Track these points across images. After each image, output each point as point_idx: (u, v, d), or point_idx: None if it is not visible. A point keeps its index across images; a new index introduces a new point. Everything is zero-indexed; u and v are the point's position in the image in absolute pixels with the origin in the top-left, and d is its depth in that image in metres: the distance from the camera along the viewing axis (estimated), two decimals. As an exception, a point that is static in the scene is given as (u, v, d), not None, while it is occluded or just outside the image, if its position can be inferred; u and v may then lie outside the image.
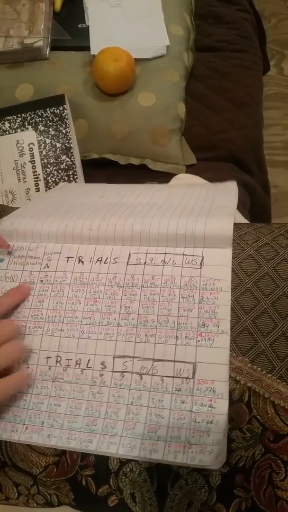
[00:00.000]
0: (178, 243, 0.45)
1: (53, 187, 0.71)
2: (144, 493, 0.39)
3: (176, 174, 0.71)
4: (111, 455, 0.39)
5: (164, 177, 0.71)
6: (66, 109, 0.72)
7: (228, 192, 0.55)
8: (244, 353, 0.40)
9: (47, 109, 0.73)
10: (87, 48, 0.77)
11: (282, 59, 1.63)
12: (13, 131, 0.73)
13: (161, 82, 0.75)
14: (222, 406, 0.38)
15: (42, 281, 0.46)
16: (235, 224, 0.48)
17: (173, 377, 0.40)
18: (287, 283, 0.42)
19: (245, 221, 0.64)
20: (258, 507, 0.38)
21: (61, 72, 0.76)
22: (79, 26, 0.82)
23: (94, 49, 0.76)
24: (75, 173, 0.72)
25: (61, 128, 0.72)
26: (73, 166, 0.72)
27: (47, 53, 0.78)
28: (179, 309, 0.42)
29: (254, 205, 0.78)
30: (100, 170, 0.75)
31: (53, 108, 0.73)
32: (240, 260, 0.44)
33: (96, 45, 0.76)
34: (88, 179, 0.73)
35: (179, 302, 0.42)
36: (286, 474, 0.38)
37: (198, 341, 0.40)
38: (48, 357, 0.42)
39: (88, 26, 0.81)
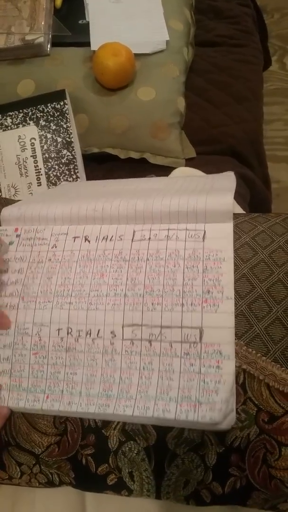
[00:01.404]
0: (180, 219, 0.47)
1: (55, 181, 0.73)
2: (142, 472, 0.41)
3: (175, 168, 0.73)
4: (127, 418, 0.41)
5: (163, 171, 0.72)
6: (66, 104, 0.74)
7: (226, 178, 0.57)
8: (239, 336, 0.42)
9: (48, 104, 0.75)
10: (88, 44, 0.79)
11: (284, 54, 1.64)
12: (15, 127, 0.75)
13: (161, 76, 0.77)
14: (229, 367, 0.40)
15: (50, 260, 0.48)
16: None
17: (181, 342, 0.42)
18: (282, 270, 0.44)
19: (243, 211, 0.65)
20: (252, 486, 0.40)
21: (62, 67, 0.78)
22: (80, 22, 0.84)
23: (94, 45, 0.78)
24: (76, 167, 0.74)
25: (62, 123, 0.74)
26: (74, 160, 0.74)
27: (48, 49, 0.80)
28: (184, 278, 0.44)
29: (254, 199, 0.79)
30: (101, 164, 0.77)
31: (54, 103, 0.74)
32: (237, 247, 0.46)
33: (96, 40, 0.78)
34: (89, 173, 0.74)
35: (183, 272, 0.44)
36: (280, 454, 0.39)
37: (204, 307, 0.42)
38: (59, 329, 0.45)
39: (88, 22, 0.83)
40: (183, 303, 0.43)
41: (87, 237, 0.49)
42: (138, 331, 0.43)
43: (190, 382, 0.40)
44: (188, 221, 0.47)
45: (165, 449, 0.40)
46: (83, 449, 0.42)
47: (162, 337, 0.42)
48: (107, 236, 0.48)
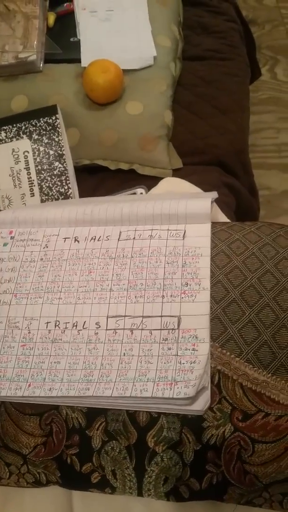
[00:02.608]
0: (163, 221, 0.51)
1: (47, 191, 0.76)
2: (124, 470, 0.43)
3: (163, 178, 0.75)
4: (107, 401, 0.43)
5: (151, 181, 0.74)
6: (58, 119, 0.77)
7: (207, 193, 0.59)
8: (214, 339, 0.44)
9: (41, 119, 0.77)
10: (79, 60, 0.82)
11: (275, 64, 1.66)
12: (9, 140, 0.78)
13: (148, 91, 0.79)
14: (203, 348, 0.43)
15: (42, 259, 0.52)
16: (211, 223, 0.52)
17: (160, 329, 0.45)
18: (254, 275, 0.46)
19: (226, 220, 0.67)
20: (228, 481, 0.42)
21: (54, 83, 0.80)
22: (71, 39, 0.86)
23: (85, 62, 0.80)
24: (67, 178, 0.76)
25: (53, 137, 0.77)
26: (66, 172, 0.76)
27: (41, 66, 0.82)
28: (164, 273, 0.48)
29: (240, 207, 0.81)
30: (92, 175, 0.79)
31: (46, 118, 0.77)
32: (213, 255, 0.48)
33: (87, 57, 0.81)
34: (80, 183, 0.76)
35: (164, 267, 0.48)
36: (253, 450, 0.41)
37: (182, 298, 0.46)
38: (47, 322, 0.48)
39: (79, 40, 0.85)
40: (164, 295, 0.46)
41: (76, 237, 0.52)
42: (121, 322, 0.46)
43: (167, 364, 0.43)
44: (170, 223, 0.51)
45: (145, 447, 0.42)
46: (68, 449, 0.44)
47: (142, 326, 0.45)
48: (95, 237, 0.52)
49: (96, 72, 0.76)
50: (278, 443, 0.41)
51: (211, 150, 0.81)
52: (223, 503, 0.43)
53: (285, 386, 0.42)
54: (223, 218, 0.68)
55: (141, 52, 0.83)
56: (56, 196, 0.76)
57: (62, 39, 0.86)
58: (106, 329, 0.46)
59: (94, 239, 0.52)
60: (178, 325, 0.45)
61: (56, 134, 0.77)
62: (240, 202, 0.81)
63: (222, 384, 0.42)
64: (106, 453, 0.43)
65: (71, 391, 0.43)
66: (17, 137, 0.77)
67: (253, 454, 0.41)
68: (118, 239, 0.51)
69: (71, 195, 0.76)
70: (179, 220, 0.51)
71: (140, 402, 0.42)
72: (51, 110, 0.77)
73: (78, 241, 0.52)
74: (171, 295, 0.46)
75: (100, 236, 0.52)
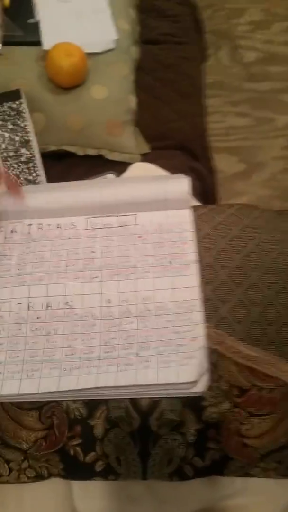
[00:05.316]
0: (144, 207, 0.50)
1: (13, 179, 0.70)
2: (128, 456, 0.41)
3: (131, 163, 0.72)
4: (109, 390, 0.41)
5: (120, 166, 0.71)
6: (22, 103, 0.70)
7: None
8: (208, 319, 0.42)
9: (4, 104, 0.70)
10: (37, 43, 0.75)
11: (218, 49, 1.65)
12: None
13: (112, 75, 0.75)
14: (200, 331, 0.42)
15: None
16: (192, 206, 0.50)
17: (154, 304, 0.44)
18: (240, 256, 0.45)
19: (198, 204, 0.66)
20: (228, 456, 0.41)
21: (15, 67, 0.74)
22: (28, 21, 0.79)
23: (47, 45, 0.74)
24: (35, 165, 0.70)
25: (19, 122, 0.70)
26: (33, 158, 0.71)
27: (0, 48, 0.75)
28: (151, 253, 0.47)
29: (203, 189, 0.80)
30: (59, 161, 0.74)
31: (10, 102, 0.70)
32: (198, 237, 0.46)
33: (48, 40, 0.74)
34: (48, 170, 0.71)
35: (151, 244, 0.47)
36: (250, 424, 0.41)
37: (172, 272, 0.45)
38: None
39: (37, 21, 0.78)
40: (151, 271, 0.45)
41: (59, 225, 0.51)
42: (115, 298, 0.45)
43: (168, 348, 0.41)
44: (151, 209, 0.49)
45: (148, 432, 0.41)
46: (70, 440, 0.41)
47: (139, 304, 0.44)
48: (61, 224, 0.50)
49: (60, 56, 0.70)
50: (273, 415, 0.40)
51: (175, 135, 0.78)
52: (223, 477, 0.43)
53: (275, 360, 0.42)
54: (194, 201, 0.67)
55: (102, 35, 0.77)
56: (24, 184, 0.71)
57: (19, 20, 0.79)
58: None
59: (59, 226, 0.50)
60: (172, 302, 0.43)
61: (21, 119, 0.71)
62: (203, 184, 0.79)
63: (218, 363, 0.41)
64: (109, 440, 0.41)
65: (71, 384, 0.40)
66: (-21, 123, 0.70)
67: (251, 429, 0.41)
68: (86, 227, 0.50)
69: (39, 183, 0.71)
70: (159, 206, 0.48)
71: (143, 389, 0.40)
72: (14, 95, 0.71)
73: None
74: (159, 272, 0.45)
75: (72, 223, 0.50)
